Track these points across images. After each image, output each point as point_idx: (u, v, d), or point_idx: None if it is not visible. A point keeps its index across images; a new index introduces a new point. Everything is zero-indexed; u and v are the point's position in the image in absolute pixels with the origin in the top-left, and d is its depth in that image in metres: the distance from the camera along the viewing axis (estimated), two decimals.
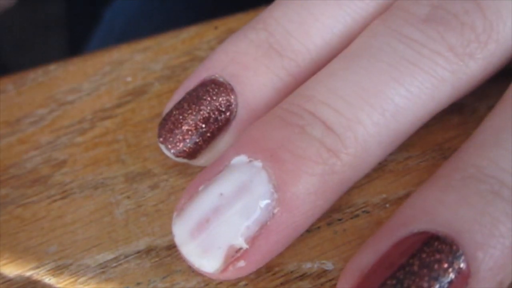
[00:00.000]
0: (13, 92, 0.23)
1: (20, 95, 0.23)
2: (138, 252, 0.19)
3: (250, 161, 0.17)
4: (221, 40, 0.23)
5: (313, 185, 0.17)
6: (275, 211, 0.16)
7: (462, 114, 0.20)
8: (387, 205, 0.19)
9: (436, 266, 0.15)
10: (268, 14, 0.20)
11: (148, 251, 0.19)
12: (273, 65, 0.19)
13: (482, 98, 0.20)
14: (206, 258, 0.16)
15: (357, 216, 0.19)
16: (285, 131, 0.17)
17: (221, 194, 0.17)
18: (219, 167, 0.17)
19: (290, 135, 0.17)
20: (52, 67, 0.23)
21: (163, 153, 0.20)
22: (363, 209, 0.19)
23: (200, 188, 0.17)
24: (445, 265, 0.15)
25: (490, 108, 0.18)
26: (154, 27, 0.38)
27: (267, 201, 0.16)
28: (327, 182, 0.17)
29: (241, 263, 0.17)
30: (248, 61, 0.19)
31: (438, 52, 0.17)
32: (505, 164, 0.16)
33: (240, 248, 0.16)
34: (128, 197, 0.20)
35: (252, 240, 0.16)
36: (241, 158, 0.17)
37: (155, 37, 0.24)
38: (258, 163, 0.17)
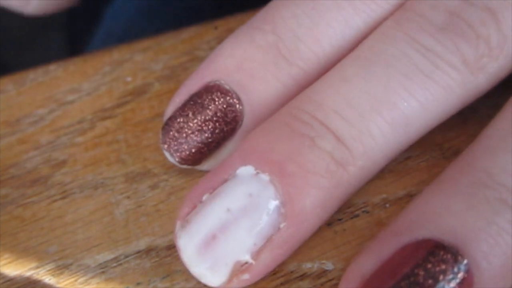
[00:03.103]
0: (13, 92, 0.23)
1: (20, 95, 0.23)
2: (138, 252, 0.19)
3: (257, 173, 0.16)
4: (221, 40, 0.23)
5: (319, 199, 0.16)
6: (281, 225, 0.16)
7: (462, 114, 0.20)
8: (387, 205, 0.19)
9: (441, 277, 0.15)
10: (277, 14, 0.19)
11: (148, 251, 0.19)
12: (281, 74, 0.18)
13: (482, 98, 0.20)
14: (212, 274, 0.16)
15: (357, 216, 0.19)
16: (294, 142, 0.17)
17: (228, 209, 0.16)
18: (224, 175, 0.17)
19: (299, 147, 0.16)
20: (52, 67, 0.23)
21: (163, 153, 0.20)
22: (363, 209, 0.19)
23: (204, 198, 0.17)
24: (450, 276, 0.15)
25: (490, 108, 0.18)
26: (154, 27, 0.38)
27: (274, 216, 0.16)
28: (333, 195, 0.17)
29: (246, 276, 0.17)
30: (256, 69, 0.19)
31: (452, 64, 0.17)
32: None
33: (246, 263, 0.16)
34: (128, 197, 0.20)
35: (257, 254, 0.16)
36: (248, 169, 0.17)
37: (155, 37, 0.24)
38: (266, 177, 0.16)
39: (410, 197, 0.19)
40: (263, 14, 0.19)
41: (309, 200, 0.16)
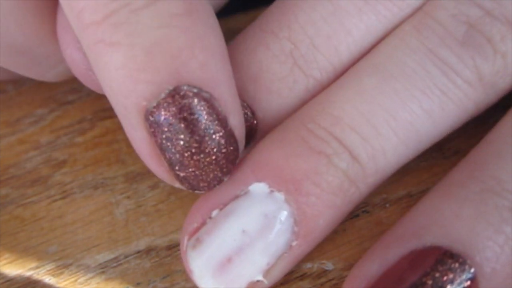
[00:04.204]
0: (13, 92, 0.23)
1: (20, 95, 0.23)
2: (138, 252, 0.19)
3: (272, 191, 0.16)
4: None
5: (332, 217, 0.17)
6: (293, 243, 0.16)
7: None
8: (387, 205, 0.19)
9: (448, 286, 0.15)
10: (294, 19, 0.18)
11: (148, 251, 0.19)
12: (297, 87, 0.18)
13: None
14: None
15: (357, 216, 0.19)
16: (311, 161, 0.16)
17: (244, 231, 0.16)
18: (235, 190, 0.17)
19: (316, 165, 0.16)
20: None
21: None
22: (363, 209, 0.19)
23: (214, 213, 0.17)
24: (457, 285, 0.15)
25: (491, 108, 0.18)
26: None
27: (288, 235, 0.16)
28: (343, 211, 0.17)
29: None
30: (271, 82, 0.18)
31: (469, 82, 0.17)
32: None
33: (258, 281, 0.16)
34: (128, 197, 0.20)
35: (268, 271, 0.16)
36: (261, 187, 0.16)
37: None
38: (281, 196, 0.16)
39: (410, 197, 0.19)
40: (278, 16, 0.18)
41: (322, 219, 0.16)
